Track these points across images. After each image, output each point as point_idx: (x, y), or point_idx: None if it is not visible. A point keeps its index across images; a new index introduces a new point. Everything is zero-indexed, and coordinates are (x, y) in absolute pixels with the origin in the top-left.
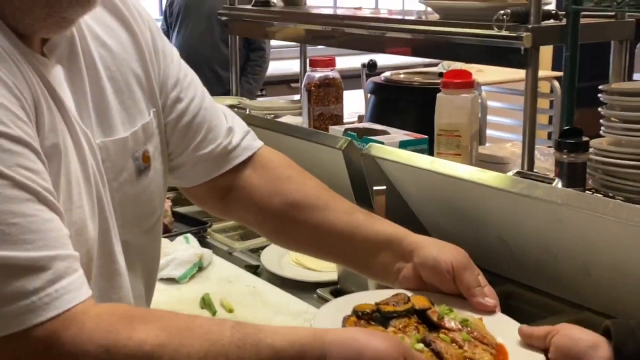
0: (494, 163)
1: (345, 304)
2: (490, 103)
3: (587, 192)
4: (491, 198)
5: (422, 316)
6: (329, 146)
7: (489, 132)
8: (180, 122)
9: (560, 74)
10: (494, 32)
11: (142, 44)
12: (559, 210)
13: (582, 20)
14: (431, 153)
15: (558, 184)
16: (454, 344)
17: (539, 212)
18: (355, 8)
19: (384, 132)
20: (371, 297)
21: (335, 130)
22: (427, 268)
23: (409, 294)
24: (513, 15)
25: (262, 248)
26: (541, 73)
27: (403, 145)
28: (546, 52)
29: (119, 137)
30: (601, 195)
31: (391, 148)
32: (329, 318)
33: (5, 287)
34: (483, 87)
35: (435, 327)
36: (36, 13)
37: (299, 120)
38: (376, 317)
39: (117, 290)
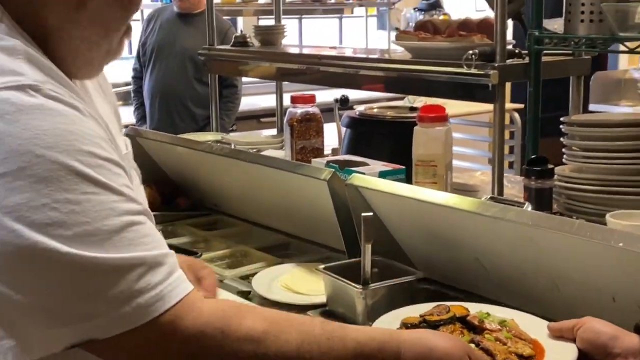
0: (466, 190)
1: (392, 320)
2: (453, 134)
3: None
4: (467, 222)
5: (463, 322)
6: (314, 177)
7: (454, 162)
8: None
9: (519, 106)
10: (464, 70)
11: (108, 88)
12: (529, 231)
13: (544, 58)
14: (408, 182)
15: (528, 207)
16: (498, 342)
17: (511, 233)
18: (330, 47)
19: (364, 164)
20: (414, 311)
21: (318, 162)
22: None
23: (448, 304)
24: (481, 55)
25: (251, 275)
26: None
27: (382, 175)
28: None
29: (126, 152)
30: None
31: (373, 178)
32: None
33: (136, 282)
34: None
35: (477, 330)
36: (81, 64)
37: (281, 154)
38: (423, 327)
39: None
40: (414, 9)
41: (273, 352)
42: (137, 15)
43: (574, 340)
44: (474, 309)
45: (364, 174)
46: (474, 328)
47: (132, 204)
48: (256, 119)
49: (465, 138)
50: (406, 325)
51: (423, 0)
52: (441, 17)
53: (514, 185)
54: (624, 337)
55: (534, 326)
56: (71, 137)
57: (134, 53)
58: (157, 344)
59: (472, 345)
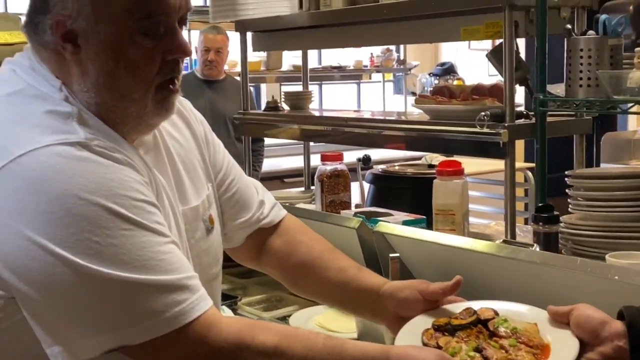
0: (483, 239)
1: (426, 319)
2: (470, 192)
3: None
4: (482, 262)
5: (485, 325)
6: (344, 226)
7: (471, 219)
8: (225, 195)
9: (533, 165)
10: (477, 129)
11: (198, 136)
12: (538, 269)
13: (549, 119)
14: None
15: (536, 248)
16: (502, 349)
17: (522, 272)
18: (355, 111)
19: (388, 214)
20: (447, 312)
21: (347, 213)
22: (406, 307)
23: (476, 307)
24: (492, 116)
25: (287, 316)
26: (519, 164)
27: (406, 223)
28: (519, 146)
29: (193, 205)
30: None
31: (398, 225)
32: (412, 330)
33: (164, 299)
34: None
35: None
36: (130, 124)
37: (312, 207)
38: (448, 328)
39: None
40: (429, 74)
41: None
42: None
43: (567, 324)
44: (506, 312)
45: (389, 222)
46: (490, 331)
47: (161, 237)
48: (280, 179)
49: (483, 196)
50: (434, 326)
51: (438, 66)
52: (455, 82)
53: (526, 234)
54: (611, 323)
55: (554, 331)
56: (110, 184)
57: None
58: (181, 353)
59: (473, 353)
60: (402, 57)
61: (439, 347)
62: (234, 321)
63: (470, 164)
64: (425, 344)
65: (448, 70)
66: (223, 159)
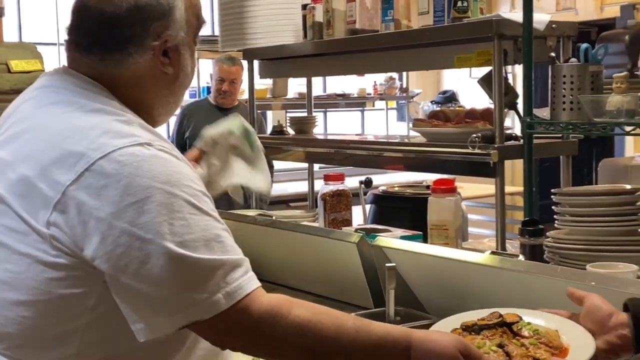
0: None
1: (455, 320)
2: (470, 216)
3: None
4: (472, 272)
5: (510, 327)
6: (345, 241)
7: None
8: None
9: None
10: (469, 150)
11: None
12: (522, 278)
13: (538, 141)
14: None
15: (521, 258)
16: (523, 347)
17: (508, 280)
18: (357, 134)
19: (386, 230)
20: (475, 315)
21: (348, 229)
22: None
23: (503, 312)
24: (483, 138)
25: None
26: (518, 188)
27: (403, 238)
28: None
29: None
30: None
31: (395, 239)
32: (442, 328)
33: (224, 277)
34: (464, 202)
35: (516, 335)
36: (168, 117)
37: (316, 225)
38: (475, 328)
39: None
40: (431, 101)
41: (312, 336)
42: None
43: (580, 305)
44: (530, 319)
45: (387, 237)
46: (514, 333)
47: (218, 223)
48: (286, 203)
49: (482, 219)
50: (462, 326)
51: (440, 94)
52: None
53: (517, 249)
54: (617, 314)
55: (574, 336)
56: (177, 176)
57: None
58: (234, 324)
59: (495, 348)
60: (404, 85)
61: None
62: (275, 296)
63: (470, 187)
64: None
65: (450, 98)
66: None
